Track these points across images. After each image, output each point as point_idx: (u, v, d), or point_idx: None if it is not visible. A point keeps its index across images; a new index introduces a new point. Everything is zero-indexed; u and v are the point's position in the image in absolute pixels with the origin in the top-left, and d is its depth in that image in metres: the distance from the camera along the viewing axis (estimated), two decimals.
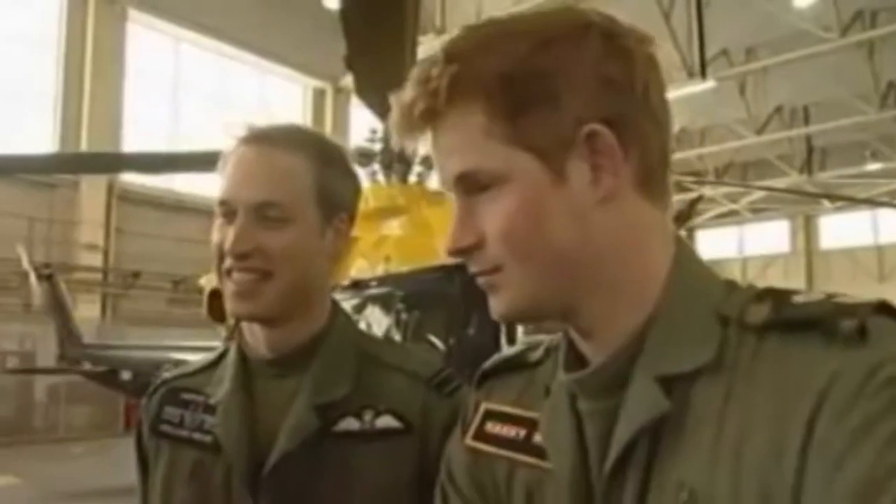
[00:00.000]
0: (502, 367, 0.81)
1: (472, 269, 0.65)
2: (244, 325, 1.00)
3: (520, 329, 3.88)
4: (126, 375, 8.68)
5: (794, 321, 0.56)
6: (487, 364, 0.83)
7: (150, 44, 14.62)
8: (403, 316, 4.52)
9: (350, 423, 0.93)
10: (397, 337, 4.42)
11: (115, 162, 9.05)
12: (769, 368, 0.55)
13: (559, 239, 0.60)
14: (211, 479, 0.94)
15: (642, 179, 0.62)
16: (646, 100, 0.61)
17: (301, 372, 0.95)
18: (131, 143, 13.56)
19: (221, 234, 0.93)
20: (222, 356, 1.04)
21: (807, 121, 20.08)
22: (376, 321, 4.62)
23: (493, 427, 0.76)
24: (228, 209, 0.93)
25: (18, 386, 12.16)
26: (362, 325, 4.64)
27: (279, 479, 0.90)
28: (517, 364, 0.79)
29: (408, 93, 0.63)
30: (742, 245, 25.72)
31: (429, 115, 0.62)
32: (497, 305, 0.65)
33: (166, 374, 1.09)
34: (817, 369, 0.52)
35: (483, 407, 0.79)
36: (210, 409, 0.97)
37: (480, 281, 0.65)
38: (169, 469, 0.98)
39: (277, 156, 0.94)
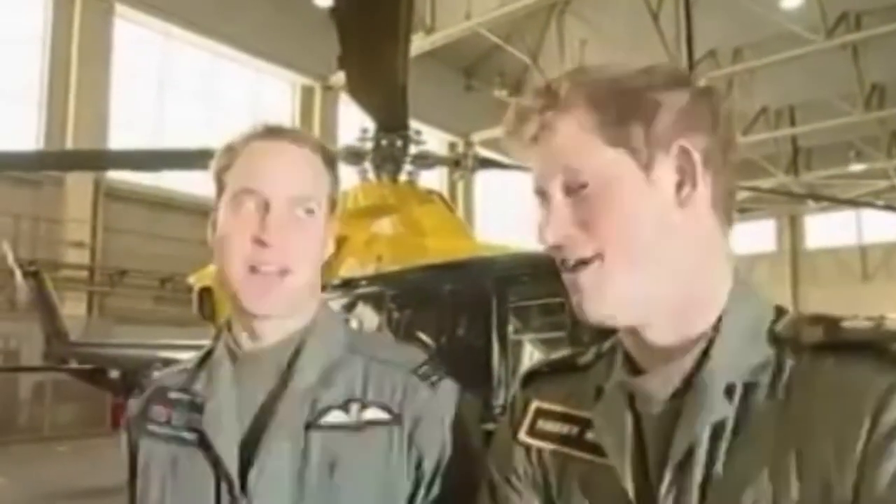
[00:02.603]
0: (550, 368, 0.89)
1: (569, 259, 0.72)
2: (234, 319, 1.00)
3: (510, 331, 3.90)
4: (113, 374, 8.59)
5: (848, 343, 0.64)
6: (535, 365, 0.91)
7: (137, 39, 14.46)
8: (394, 315, 4.53)
9: (337, 416, 0.93)
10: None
11: (101, 159, 8.96)
12: (827, 382, 0.63)
13: (651, 231, 0.69)
14: (199, 476, 0.94)
15: (715, 202, 0.72)
16: (725, 140, 0.73)
17: (288, 364, 0.96)
18: (118, 140, 13.41)
19: (244, 222, 0.93)
20: (209, 354, 1.04)
21: (792, 122, 20.26)
22: (367, 320, 4.63)
23: (545, 424, 0.83)
24: (259, 199, 0.93)
25: (3, 384, 12.00)
26: (353, 324, 4.63)
27: (268, 472, 0.90)
28: (566, 366, 0.87)
29: (528, 98, 0.74)
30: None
31: (543, 113, 0.72)
32: (591, 304, 0.71)
33: (154, 375, 1.09)
34: (874, 384, 0.59)
35: (534, 405, 0.85)
36: (196, 407, 0.97)
37: (573, 276, 0.71)
38: (156, 468, 0.99)
39: (306, 153, 0.98)
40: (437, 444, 0.95)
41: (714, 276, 0.72)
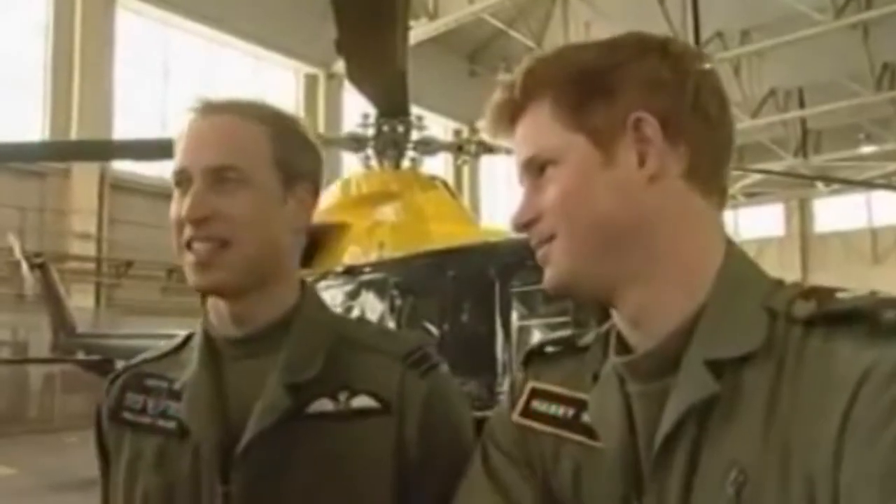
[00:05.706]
0: (550, 348, 0.87)
1: (532, 242, 0.74)
2: (210, 304, 0.97)
3: (514, 316, 3.87)
4: (120, 364, 8.64)
5: (838, 314, 0.60)
6: (535, 345, 0.89)
7: (139, 29, 14.44)
8: (397, 302, 4.51)
9: (324, 405, 0.89)
10: (391, 323, 4.40)
11: (106, 149, 8.96)
12: (815, 358, 0.60)
13: (604, 209, 0.68)
14: (177, 466, 0.90)
15: (691, 172, 0.69)
16: (697, 104, 0.69)
17: (272, 351, 0.91)
18: (122, 130, 13.43)
19: (179, 205, 0.90)
20: (187, 340, 1.01)
21: (801, 103, 20.04)
22: (370, 307, 4.61)
23: (539, 405, 0.82)
24: (184, 177, 0.90)
25: (12, 376, 12.11)
26: (356, 312, 4.62)
27: (251, 461, 0.86)
28: (566, 347, 0.86)
29: (497, 92, 0.76)
30: (737, 228, 25.76)
31: (508, 107, 0.74)
32: (547, 277, 0.73)
33: (130, 361, 1.05)
34: (858, 358, 0.56)
35: (530, 385, 0.85)
36: (174, 395, 0.94)
37: (538, 255, 0.73)
38: (132, 458, 0.94)
39: (231, 122, 0.92)
40: (426, 434, 0.91)
41: (697, 251, 0.69)
